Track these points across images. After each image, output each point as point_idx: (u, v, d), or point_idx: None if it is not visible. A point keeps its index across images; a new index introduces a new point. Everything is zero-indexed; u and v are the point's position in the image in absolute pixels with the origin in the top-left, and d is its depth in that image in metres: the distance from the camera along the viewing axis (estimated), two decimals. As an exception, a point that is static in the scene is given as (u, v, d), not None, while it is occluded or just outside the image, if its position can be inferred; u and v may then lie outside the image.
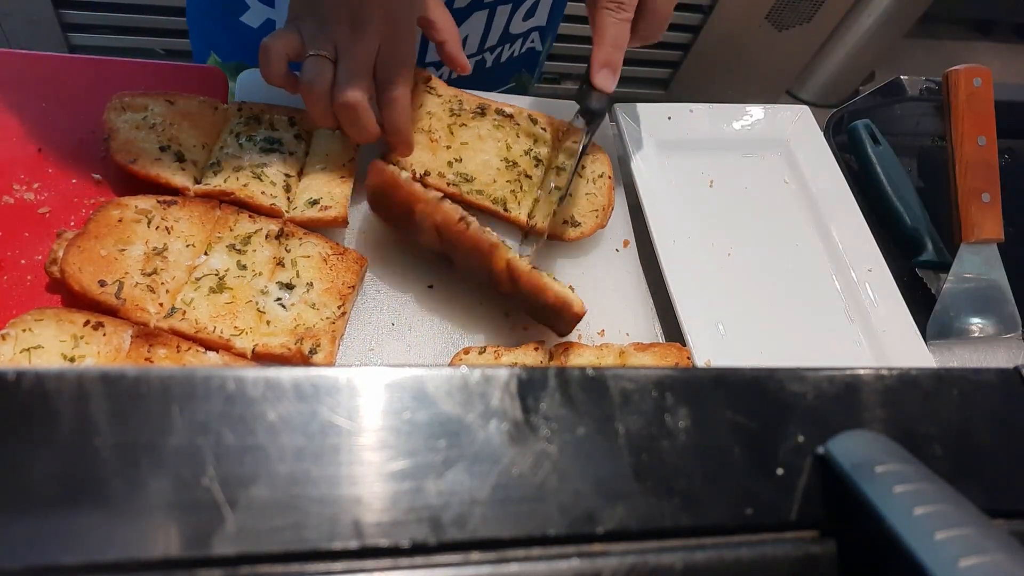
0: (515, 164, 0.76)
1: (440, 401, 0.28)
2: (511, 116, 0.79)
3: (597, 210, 0.77)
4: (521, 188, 0.75)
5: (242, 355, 0.59)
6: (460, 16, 0.87)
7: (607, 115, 0.90)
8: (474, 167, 0.75)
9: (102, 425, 0.24)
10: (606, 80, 0.68)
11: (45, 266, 0.59)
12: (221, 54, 0.92)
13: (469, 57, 0.92)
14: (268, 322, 0.61)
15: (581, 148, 0.72)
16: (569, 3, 1.05)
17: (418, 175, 0.72)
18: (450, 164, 0.74)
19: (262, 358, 0.59)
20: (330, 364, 0.60)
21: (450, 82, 0.80)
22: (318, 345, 0.60)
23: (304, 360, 0.59)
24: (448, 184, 0.73)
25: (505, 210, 0.74)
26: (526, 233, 0.74)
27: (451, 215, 0.62)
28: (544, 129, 0.79)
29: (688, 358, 0.69)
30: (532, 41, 1.02)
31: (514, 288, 0.64)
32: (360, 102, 0.64)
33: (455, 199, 0.74)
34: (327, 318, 0.62)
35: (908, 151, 1.02)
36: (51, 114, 0.70)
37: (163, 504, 0.24)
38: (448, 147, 0.75)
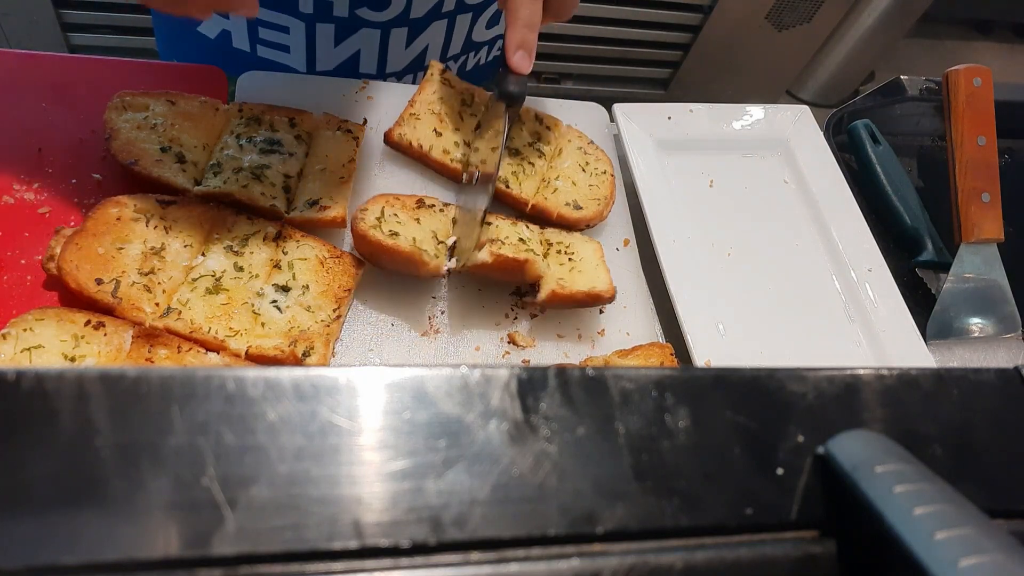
0: (518, 152, 0.79)
1: (440, 401, 0.28)
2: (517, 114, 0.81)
3: (599, 199, 0.79)
4: (524, 172, 0.78)
5: (236, 356, 0.59)
6: (419, 26, 0.87)
7: (608, 114, 0.90)
8: (479, 151, 0.78)
9: (102, 425, 0.24)
10: (522, 61, 0.66)
11: (42, 263, 0.59)
12: (180, 60, 0.92)
13: None
14: (263, 324, 0.61)
15: (504, 133, 0.69)
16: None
17: (423, 148, 0.76)
18: (456, 144, 0.77)
19: (255, 359, 0.59)
20: (324, 366, 0.60)
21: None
22: (312, 347, 0.60)
23: (297, 362, 0.59)
24: (451, 161, 0.76)
25: (507, 187, 0.76)
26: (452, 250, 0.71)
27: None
28: (548, 128, 0.82)
29: (672, 355, 0.69)
30: (499, 49, 1.00)
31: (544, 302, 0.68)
32: None
33: (457, 176, 0.77)
34: (322, 321, 0.62)
35: (908, 151, 1.02)
36: (51, 114, 0.70)
37: (163, 504, 0.24)
38: (457, 130, 0.78)
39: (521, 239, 0.71)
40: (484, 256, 0.64)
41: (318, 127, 0.73)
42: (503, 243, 0.68)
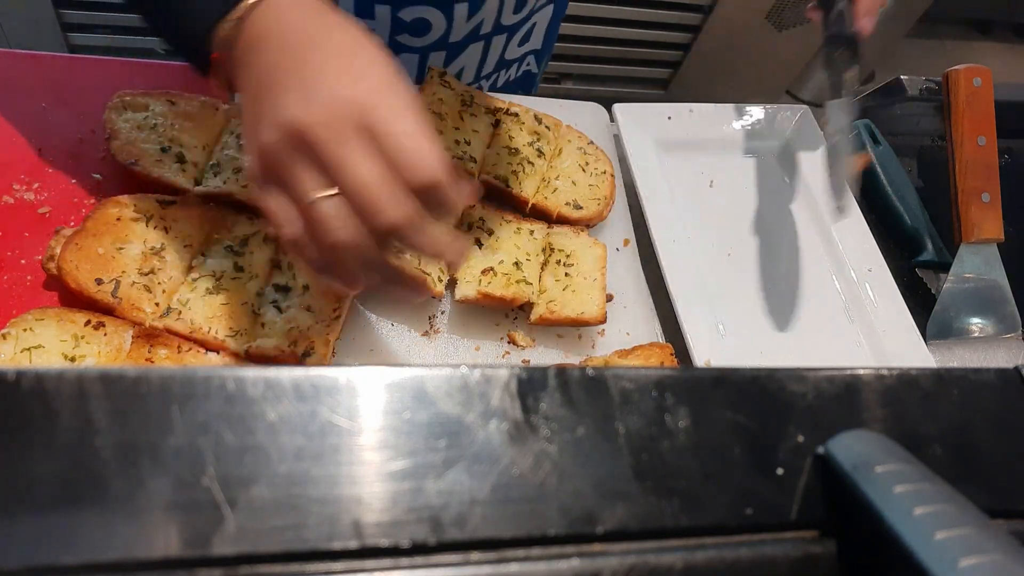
0: (518, 151, 0.79)
1: (440, 401, 0.28)
2: (517, 115, 0.81)
3: (599, 199, 0.79)
4: (524, 171, 0.78)
5: (236, 356, 0.59)
6: (455, 50, 0.87)
7: (608, 114, 0.90)
8: (479, 150, 0.78)
9: (102, 425, 0.24)
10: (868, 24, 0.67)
11: (42, 263, 0.59)
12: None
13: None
14: (263, 324, 0.61)
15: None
16: (569, 2, 1.05)
17: None
18: (457, 143, 0.77)
19: (256, 359, 0.59)
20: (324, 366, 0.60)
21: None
22: (312, 348, 0.60)
23: (297, 362, 0.59)
24: (453, 158, 0.76)
25: (507, 186, 0.76)
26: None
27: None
28: (548, 128, 0.82)
29: (672, 355, 0.69)
30: (528, 64, 1.02)
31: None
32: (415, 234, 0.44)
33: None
34: (322, 321, 0.62)
35: (908, 151, 1.02)
36: (51, 114, 0.70)
37: (163, 504, 0.24)
38: (456, 128, 0.78)
39: (516, 263, 0.71)
40: (471, 292, 0.66)
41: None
42: (495, 273, 0.69)
